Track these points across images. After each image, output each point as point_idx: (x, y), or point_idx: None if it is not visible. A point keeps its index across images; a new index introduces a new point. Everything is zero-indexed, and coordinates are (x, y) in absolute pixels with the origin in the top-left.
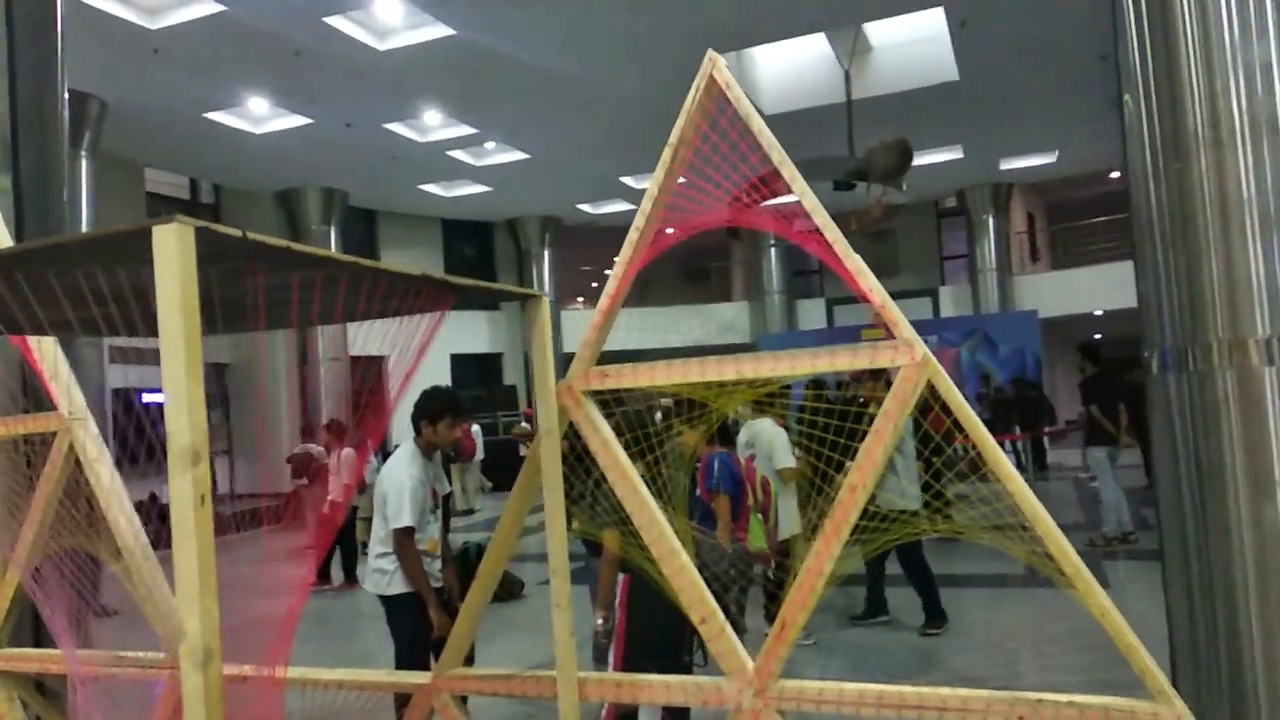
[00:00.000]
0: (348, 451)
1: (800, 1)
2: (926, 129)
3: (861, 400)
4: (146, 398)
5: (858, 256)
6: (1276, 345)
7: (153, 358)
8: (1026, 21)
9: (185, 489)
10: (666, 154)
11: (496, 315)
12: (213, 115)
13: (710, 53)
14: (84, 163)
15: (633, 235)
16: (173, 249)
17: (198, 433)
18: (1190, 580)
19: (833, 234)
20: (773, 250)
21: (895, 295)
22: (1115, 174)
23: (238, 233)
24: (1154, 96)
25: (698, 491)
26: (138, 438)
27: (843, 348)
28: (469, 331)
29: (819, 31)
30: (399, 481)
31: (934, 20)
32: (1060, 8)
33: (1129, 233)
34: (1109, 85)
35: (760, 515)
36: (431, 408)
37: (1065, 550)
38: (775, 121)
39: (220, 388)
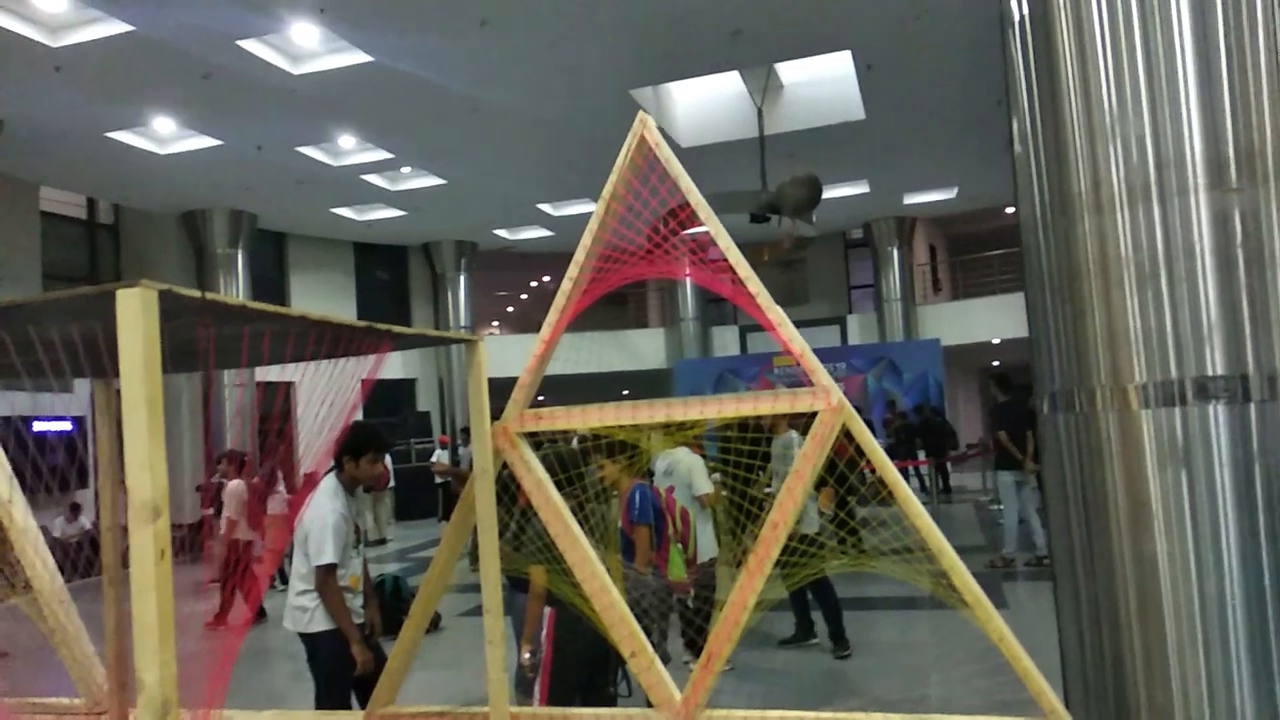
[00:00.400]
0: (236, 484)
1: (715, 41)
2: (835, 164)
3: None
4: (37, 426)
5: (779, 308)
6: (1152, 391)
7: (45, 385)
8: (928, 66)
9: (145, 543)
10: (600, 207)
11: None
12: (115, 135)
13: (641, 114)
14: None
15: (566, 285)
16: (137, 312)
17: (158, 490)
18: (1079, 607)
19: (756, 287)
20: (688, 280)
21: (805, 323)
22: (1010, 209)
23: (198, 294)
24: (1042, 159)
25: (620, 524)
26: (31, 467)
27: (765, 393)
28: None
29: (733, 70)
30: (322, 517)
31: (842, 62)
32: (959, 55)
33: (1022, 268)
34: (1004, 129)
35: (680, 545)
36: (356, 442)
37: (967, 581)
38: (691, 154)
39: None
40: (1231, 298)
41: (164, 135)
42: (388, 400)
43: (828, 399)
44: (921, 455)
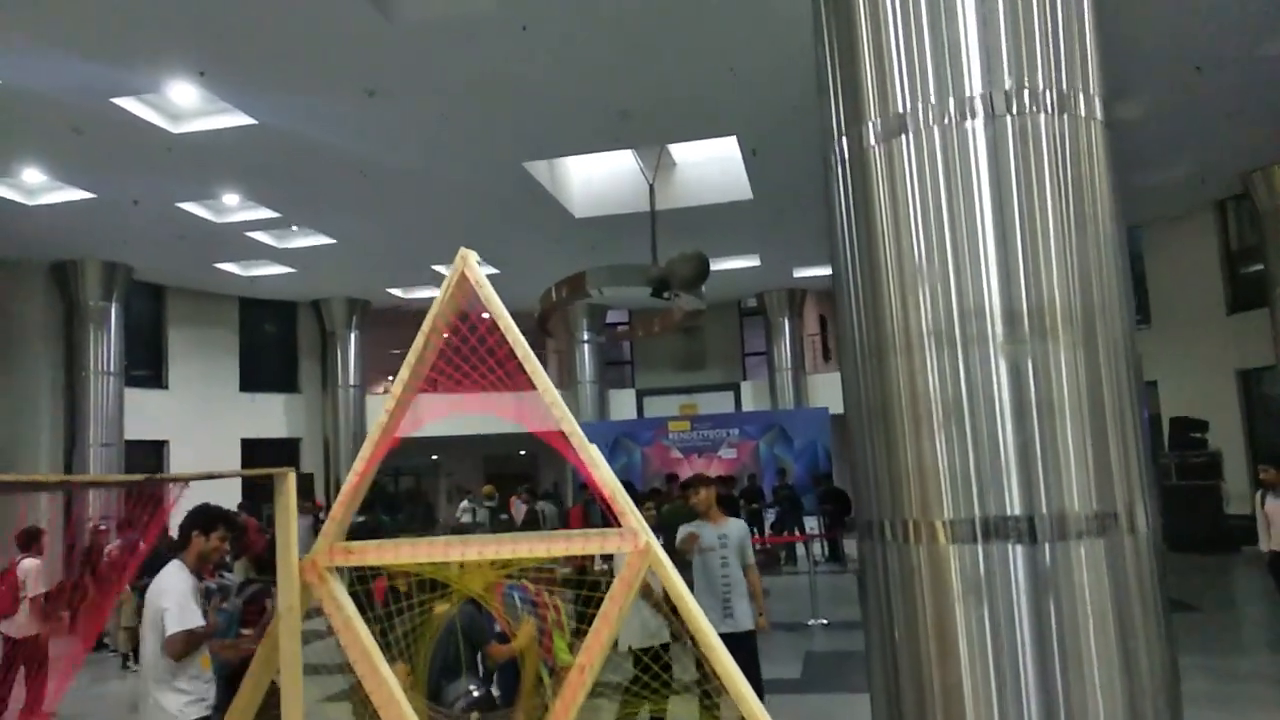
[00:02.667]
0: (31, 562)
1: (604, 121)
2: (727, 238)
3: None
4: None
5: (594, 447)
6: (958, 527)
7: None
8: (809, 152)
9: None
10: (418, 341)
11: (295, 399)
12: None
13: (462, 250)
14: None
15: (382, 418)
16: None
17: None
18: None
19: (569, 427)
20: (585, 342)
21: (701, 388)
22: None
23: None
24: (859, 298)
25: (498, 628)
26: None
27: (576, 534)
28: (264, 415)
29: (625, 149)
30: (168, 590)
31: (731, 144)
32: None
33: None
34: None
35: (559, 628)
36: (207, 519)
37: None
38: (585, 225)
39: None
40: (1025, 441)
41: (33, 186)
42: (271, 461)
43: (635, 541)
44: (811, 525)
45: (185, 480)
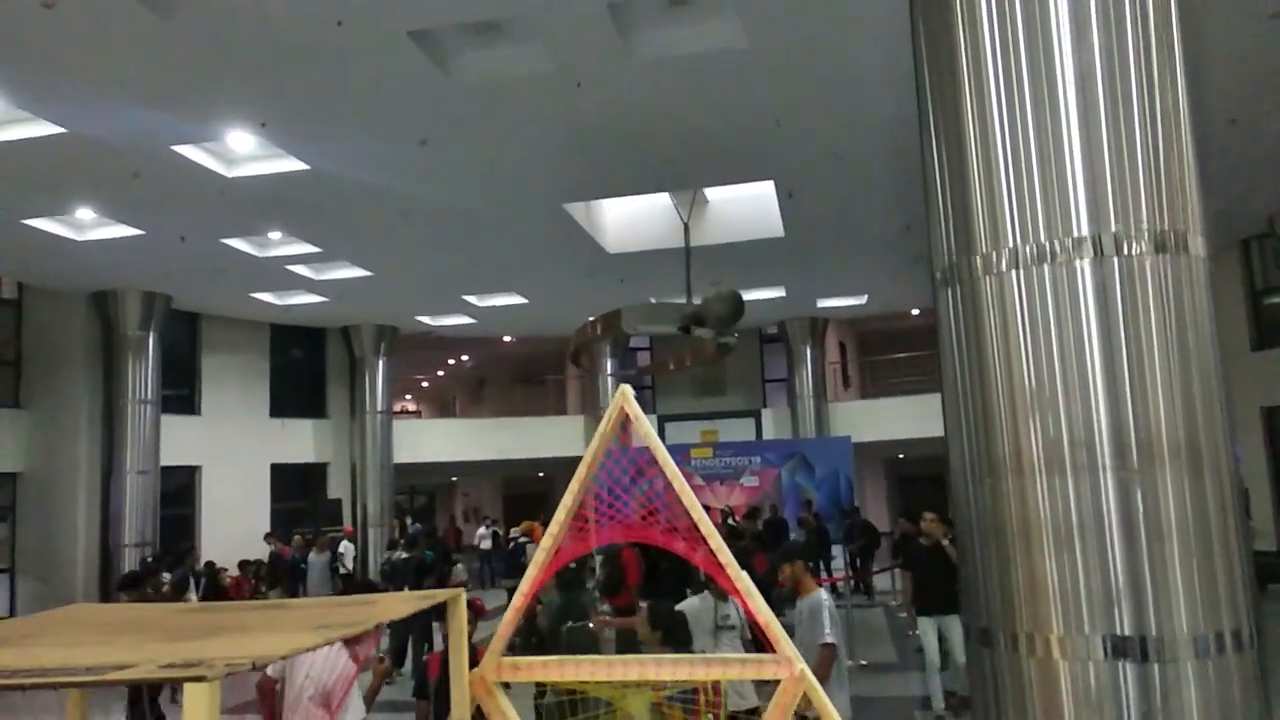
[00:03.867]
0: None
1: (648, 167)
2: (754, 272)
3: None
4: None
5: (746, 576)
6: (1070, 645)
7: None
8: (843, 194)
9: None
10: (581, 469)
11: (323, 424)
12: (33, 221)
13: (623, 387)
14: None
15: (546, 541)
16: None
17: None
18: None
19: (725, 557)
20: (609, 366)
21: (722, 415)
22: (915, 311)
23: None
24: (971, 423)
25: None
26: None
27: (733, 658)
28: (293, 440)
29: (664, 192)
30: None
31: (765, 185)
32: (871, 187)
33: (928, 370)
34: (909, 248)
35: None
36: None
37: None
38: (618, 260)
39: (9, 499)
40: (1134, 564)
41: (84, 223)
42: (298, 485)
43: (790, 668)
44: (839, 558)
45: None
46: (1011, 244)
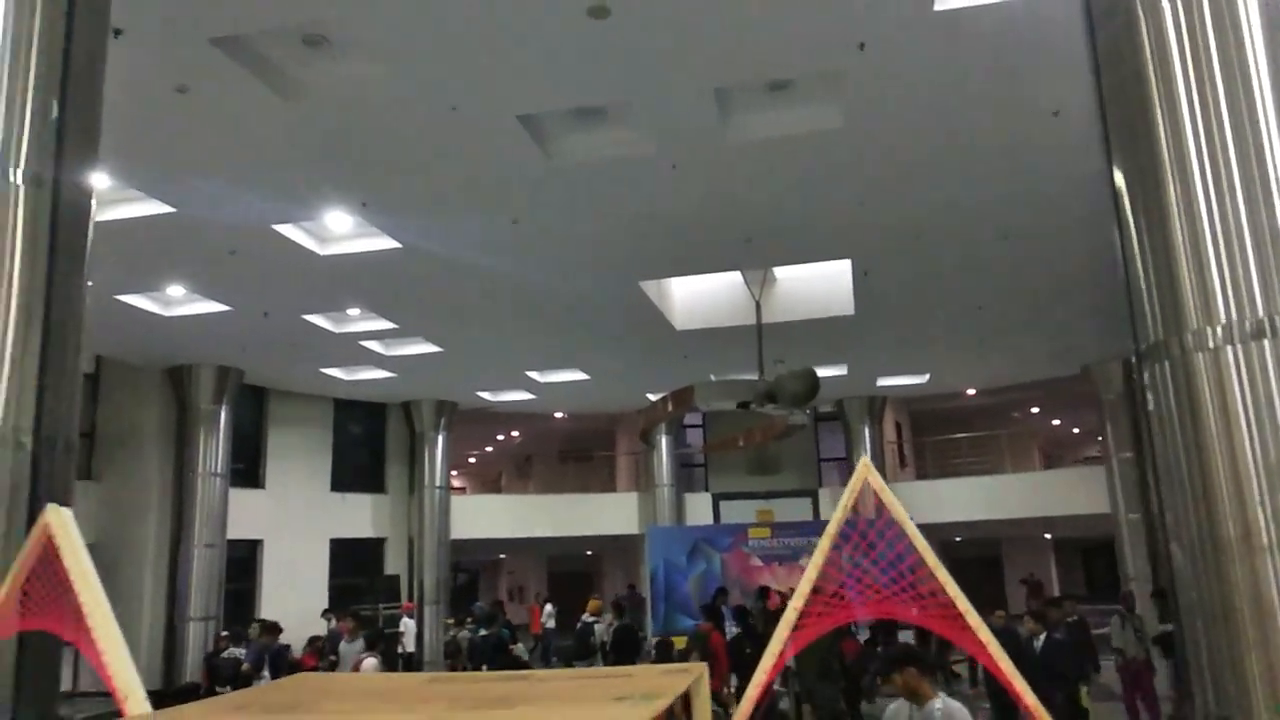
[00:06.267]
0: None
1: (728, 247)
2: (819, 349)
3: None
4: None
5: (1000, 648)
6: None
7: None
8: (919, 273)
9: None
10: (824, 542)
11: (381, 499)
12: (125, 297)
13: (864, 459)
14: None
15: (790, 616)
16: None
17: None
18: None
19: (974, 620)
20: (664, 443)
21: (777, 494)
22: (971, 391)
23: None
24: (1192, 500)
25: None
26: None
27: None
28: (352, 515)
29: (738, 270)
30: None
31: (837, 263)
32: (947, 266)
33: (988, 451)
34: (977, 328)
35: None
36: None
37: None
38: (686, 337)
39: None
40: None
41: (173, 299)
42: (355, 560)
43: None
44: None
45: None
46: (1225, 319)
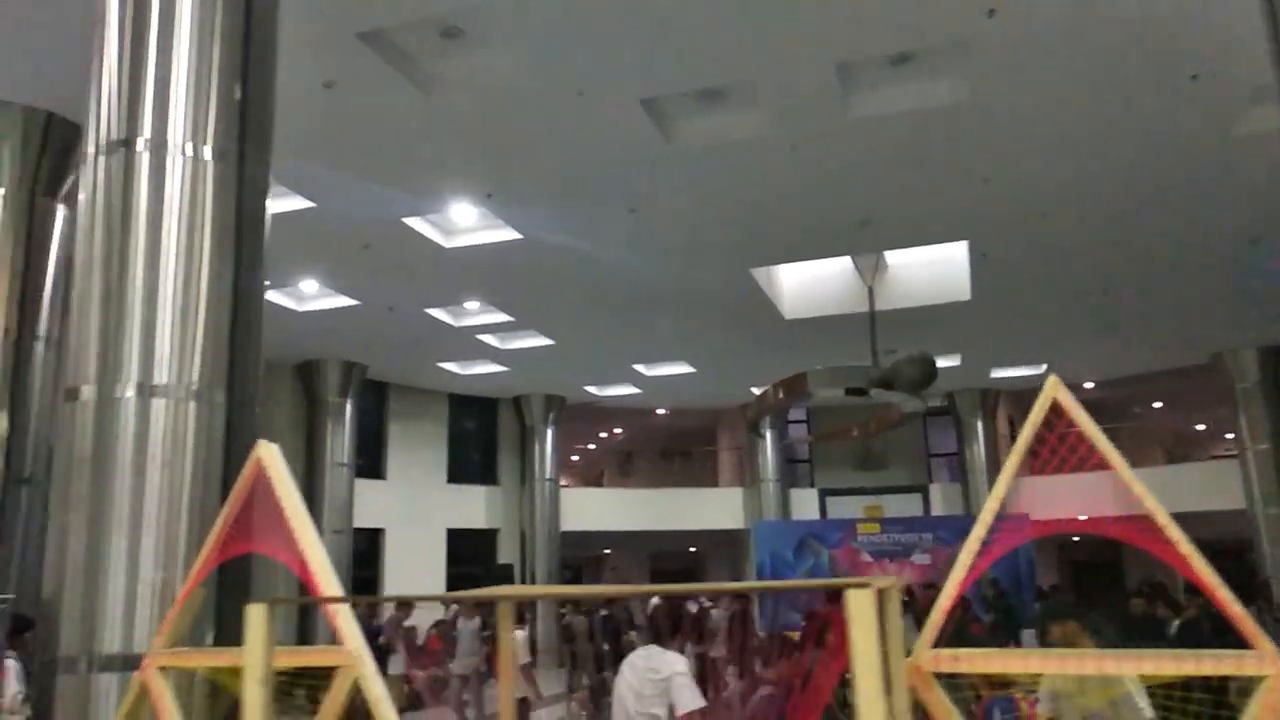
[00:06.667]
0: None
1: (842, 230)
2: (931, 338)
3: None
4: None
5: (1209, 567)
6: None
7: None
8: (1041, 256)
9: None
10: (1012, 460)
11: (494, 490)
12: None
13: (1052, 377)
14: None
15: (979, 531)
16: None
17: None
18: None
19: (1188, 548)
20: (769, 437)
21: (886, 490)
22: (1089, 385)
23: None
24: None
25: None
26: None
27: (1205, 654)
28: (466, 506)
29: (853, 254)
30: None
31: (953, 246)
32: (1069, 248)
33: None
34: (1102, 312)
35: None
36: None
37: None
38: (791, 326)
39: None
40: None
41: (307, 294)
42: (470, 550)
43: (1277, 664)
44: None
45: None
46: None
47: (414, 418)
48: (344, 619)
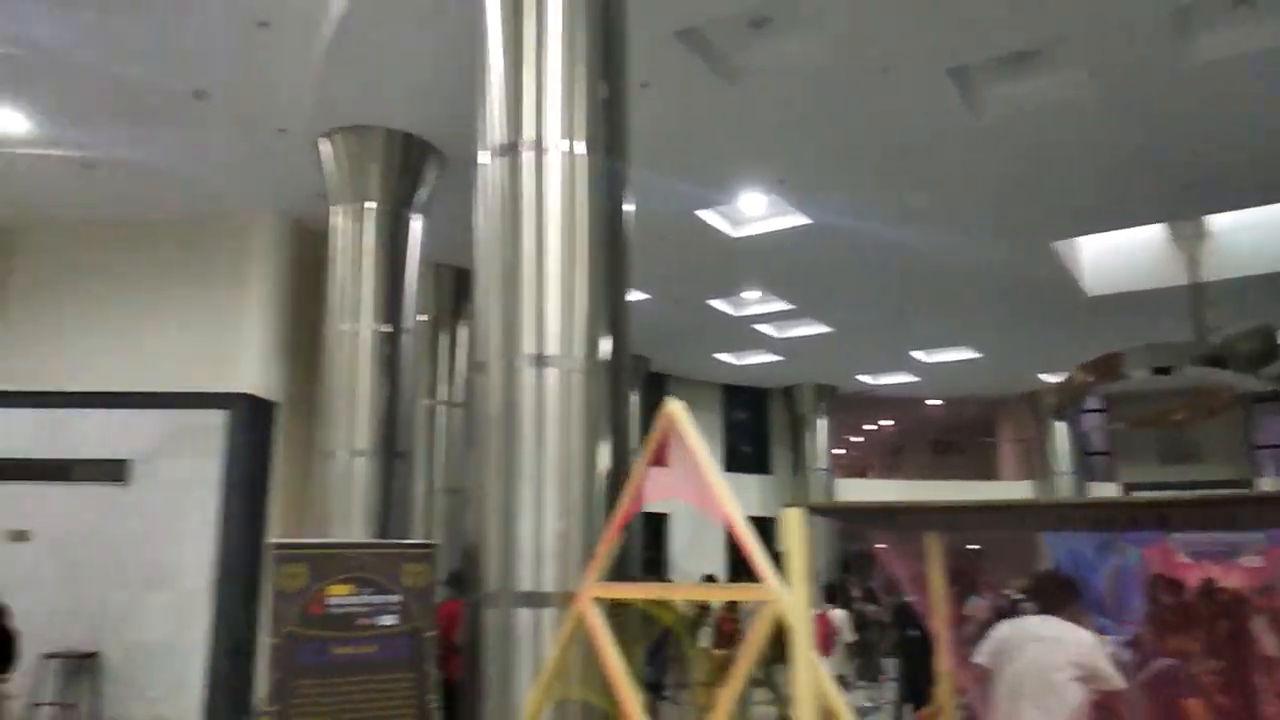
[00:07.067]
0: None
1: (1169, 191)
2: (1262, 314)
3: None
4: None
5: None
6: None
7: None
8: None
9: None
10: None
11: (767, 480)
12: None
13: None
14: None
15: None
16: None
17: None
18: None
19: None
20: (1062, 427)
21: (1203, 486)
22: None
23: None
24: None
25: None
26: None
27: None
28: (742, 494)
29: (1172, 221)
30: None
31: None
32: None
33: None
34: None
35: None
36: None
37: None
38: (1096, 304)
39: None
40: None
41: None
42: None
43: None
44: None
45: None
46: None
47: (692, 409)
48: (759, 559)
